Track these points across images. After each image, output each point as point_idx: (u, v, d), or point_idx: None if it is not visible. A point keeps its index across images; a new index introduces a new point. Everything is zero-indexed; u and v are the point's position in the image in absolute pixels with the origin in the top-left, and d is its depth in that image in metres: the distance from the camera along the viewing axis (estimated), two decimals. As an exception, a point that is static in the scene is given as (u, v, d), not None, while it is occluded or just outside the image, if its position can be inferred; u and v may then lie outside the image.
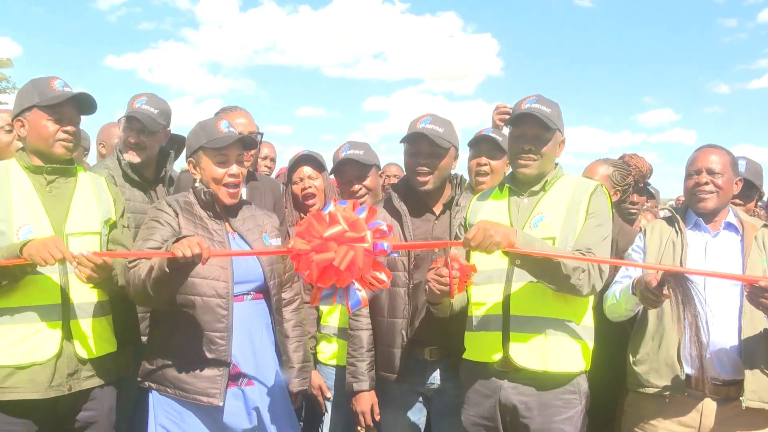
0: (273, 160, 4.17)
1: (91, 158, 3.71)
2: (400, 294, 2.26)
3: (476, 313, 2.06)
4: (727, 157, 2.16)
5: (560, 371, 1.96)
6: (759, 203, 2.81)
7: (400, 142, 2.32)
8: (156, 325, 2.14)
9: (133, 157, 2.61)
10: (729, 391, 2.01)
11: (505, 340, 1.97)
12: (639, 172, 2.93)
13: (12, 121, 2.12)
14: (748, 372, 1.98)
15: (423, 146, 2.22)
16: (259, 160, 3.21)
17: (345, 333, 2.43)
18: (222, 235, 2.07)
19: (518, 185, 2.11)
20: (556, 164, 2.15)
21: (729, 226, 2.16)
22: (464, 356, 2.11)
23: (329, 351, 2.55)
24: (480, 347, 2.05)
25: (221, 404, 1.99)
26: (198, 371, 1.99)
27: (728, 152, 2.20)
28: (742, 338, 2.00)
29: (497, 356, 1.98)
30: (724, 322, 2.02)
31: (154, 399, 2.05)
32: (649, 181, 3.26)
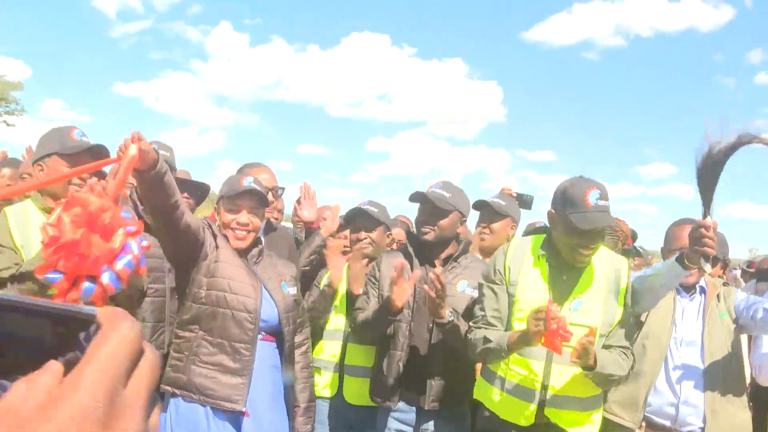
0: (281, 211, 4.40)
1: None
2: (401, 328, 2.42)
3: (510, 378, 2.11)
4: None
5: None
6: (724, 270, 3.08)
7: (409, 200, 2.56)
8: (181, 339, 2.21)
9: None
10: None
11: (540, 410, 2.07)
12: (626, 236, 3.21)
13: (33, 164, 2.29)
14: (709, 414, 2.24)
15: (426, 207, 2.47)
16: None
17: (335, 366, 2.65)
18: (253, 277, 2.23)
19: (557, 261, 2.12)
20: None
21: (701, 289, 2.42)
22: (496, 412, 2.16)
23: (322, 382, 2.68)
24: (511, 409, 2.12)
25: (244, 410, 2.09)
26: (223, 379, 2.10)
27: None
28: (705, 394, 2.25)
29: (528, 421, 2.08)
30: (691, 380, 2.28)
31: (176, 404, 2.12)
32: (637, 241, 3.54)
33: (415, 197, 2.50)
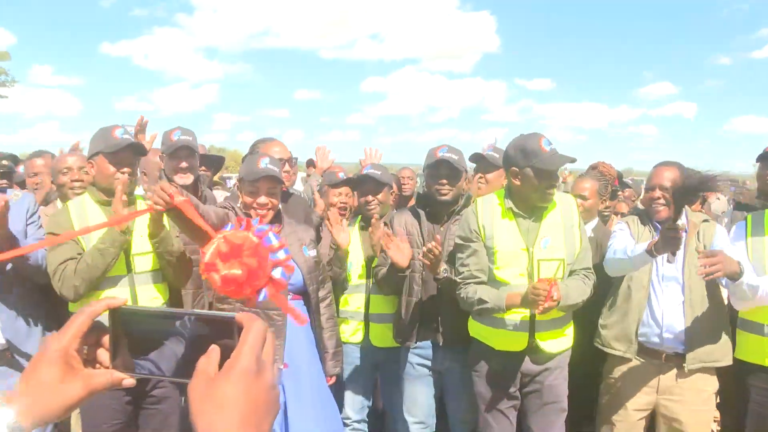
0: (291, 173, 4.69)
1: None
2: (415, 278, 2.78)
3: (504, 317, 2.46)
4: (677, 172, 2.61)
5: (565, 349, 2.54)
6: (703, 205, 3.34)
7: (424, 169, 2.83)
8: (223, 308, 2.45)
9: (185, 179, 3.00)
10: (680, 359, 2.56)
11: (531, 336, 2.47)
12: (613, 178, 3.45)
13: (87, 160, 2.55)
14: (688, 341, 2.54)
15: (443, 170, 2.75)
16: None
17: (360, 315, 3.01)
18: None
19: (522, 208, 2.49)
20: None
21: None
22: (491, 345, 2.53)
23: (350, 330, 3.04)
24: (506, 340, 2.50)
25: (281, 366, 2.37)
26: None
27: (679, 168, 2.67)
28: (686, 321, 2.55)
29: (521, 346, 2.49)
30: (673, 311, 2.57)
31: None
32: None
33: (435, 164, 2.75)
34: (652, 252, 2.37)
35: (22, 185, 3.64)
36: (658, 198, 2.63)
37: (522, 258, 2.46)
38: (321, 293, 2.72)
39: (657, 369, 2.62)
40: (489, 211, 2.55)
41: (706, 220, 2.70)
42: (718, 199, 9.04)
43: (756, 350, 2.52)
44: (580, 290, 2.45)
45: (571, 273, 2.51)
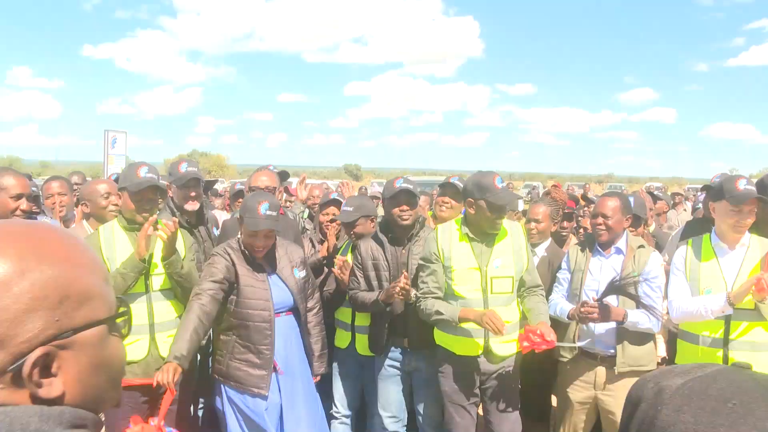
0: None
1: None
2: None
3: (464, 326, 2.89)
4: (618, 203, 3.10)
5: (516, 352, 2.96)
6: (644, 227, 3.81)
7: (384, 200, 3.24)
8: (221, 341, 2.94)
9: (194, 206, 3.34)
10: (612, 361, 3.03)
11: (486, 342, 2.90)
12: (564, 202, 3.92)
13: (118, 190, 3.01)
14: (618, 348, 3.01)
15: (404, 198, 3.15)
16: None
17: (348, 326, 3.44)
18: (263, 276, 2.91)
19: (476, 234, 2.92)
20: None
21: (618, 250, 3.12)
22: (453, 350, 2.96)
23: (339, 338, 3.51)
24: (465, 346, 2.93)
25: (267, 394, 2.83)
26: (251, 372, 2.84)
27: (621, 198, 3.17)
28: (616, 331, 3.01)
29: (478, 351, 2.92)
30: (606, 323, 3.01)
31: (225, 389, 2.89)
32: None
33: (396, 193, 3.16)
34: (571, 315, 3.01)
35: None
36: (600, 224, 3.10)
37: (475, 276, 2.90)
38: (309, 303, 3.14)
39: (593, 369, 3.09)
40: (447, 236, 2.98)
41: (641, 246, 3.13)
42: (685, 210, 9.59)
43: (691, 356, 2.88)
44: (546, 307, 3.02)
45: (523, 287, 3.00)
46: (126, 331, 0.78)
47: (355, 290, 3.28)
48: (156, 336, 2.88)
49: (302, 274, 3.07)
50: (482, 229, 2.93)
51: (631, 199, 3.43)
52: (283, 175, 4.37)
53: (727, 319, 2.74)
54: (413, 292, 3.03)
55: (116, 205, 3.36)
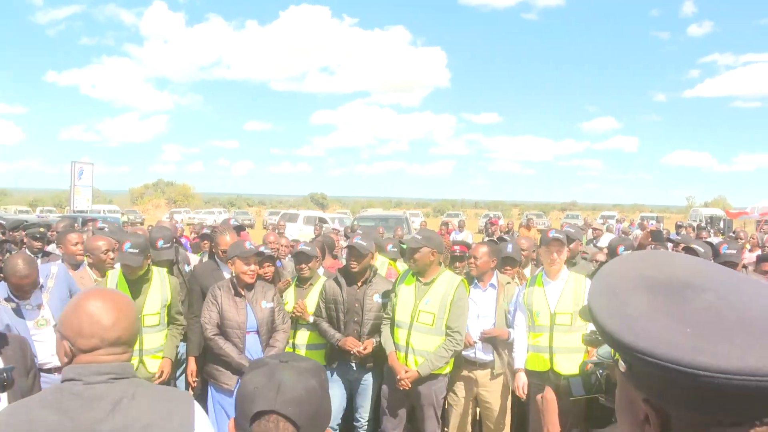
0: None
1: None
2: (333, 326, 4.17)
3: (396, 342, 3.86)
4: (486, 249, 4.24)
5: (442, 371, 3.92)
6: (518, 269, 5.04)
7: (345, 251, 4.32)
8: (207, 347, 3.95)
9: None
10: (490, 365, 4.17)
11: (410, 360, 3.82)
12: (440, 246, 5.09)
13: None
14: (495, 355, 4.17)
15: (353, 252, 4.14)
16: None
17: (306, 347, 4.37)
18: (242, 304, 3.93)
19: (420, 277, 3.87)
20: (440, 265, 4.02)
21: (491, 285, 4.27)
22: (392, 366, 3.84)
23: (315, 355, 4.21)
24: (399, 359, 3.83)
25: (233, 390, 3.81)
26: (229, 372, 3.86)
27: (491, 245, 4.38)
28: (494, 345, 4.18)
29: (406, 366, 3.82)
30: (487, 342, 4.16)
31: (212, 387, 3.91)
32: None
33: (348, 249, 4.15)
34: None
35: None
36: (472, 263, 4.24)
37: (410, 307, 3.86)
38: (280, 326, 4.01)
39: (471, 372, 4.20)
40: (401, 279, 4.03)
41: (509, 282, 4.32)
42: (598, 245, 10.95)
43: (536, 362, 3.98)
44: (438, 359, 3.78)
45: (444, 326, 3.81)
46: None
47: (320, 319, 4.19)
48: (144, 358, 3.83)
49: (270, 305, 4.02)
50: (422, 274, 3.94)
51: (509, 246, 4.69)
52: (239, 229, 5.29)
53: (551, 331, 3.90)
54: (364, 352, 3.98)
55: (112, 259, 4.38)
